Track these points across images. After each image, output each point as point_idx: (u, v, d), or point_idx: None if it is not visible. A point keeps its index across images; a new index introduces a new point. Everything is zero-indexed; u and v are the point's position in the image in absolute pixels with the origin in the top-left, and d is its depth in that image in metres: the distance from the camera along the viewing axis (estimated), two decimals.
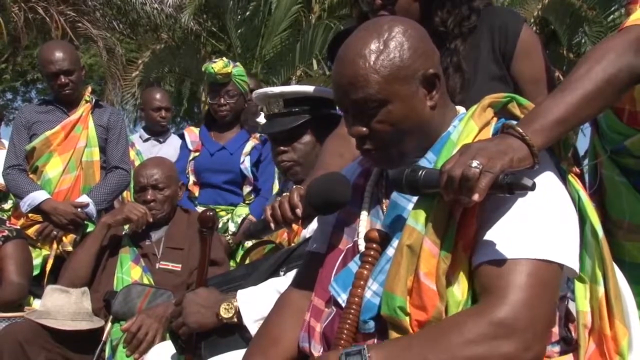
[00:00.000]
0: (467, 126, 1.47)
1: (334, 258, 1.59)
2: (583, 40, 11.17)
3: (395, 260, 1.39)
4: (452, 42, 2.05)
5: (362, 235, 1.55)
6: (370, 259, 1.48)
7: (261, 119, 3.93)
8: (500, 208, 1.37)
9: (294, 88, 2.78)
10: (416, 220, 1.39)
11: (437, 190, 1.37)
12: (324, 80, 10.69)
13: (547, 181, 1.41)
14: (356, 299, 1.46)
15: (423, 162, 1.48)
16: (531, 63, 2.07)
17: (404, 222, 1.43)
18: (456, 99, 1.90)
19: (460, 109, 1.61)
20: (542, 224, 1.35)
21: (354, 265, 1.52)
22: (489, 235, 1.36)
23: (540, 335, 1.31)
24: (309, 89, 2.61)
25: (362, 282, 1.46)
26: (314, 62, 11.90)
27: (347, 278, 1.51)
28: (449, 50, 2.04)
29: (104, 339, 2.97)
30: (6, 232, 3.72)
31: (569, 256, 1.37)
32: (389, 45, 1.46)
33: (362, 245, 1.54)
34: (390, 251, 1.44)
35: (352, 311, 1.45)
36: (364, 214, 1.58)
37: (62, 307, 3.02)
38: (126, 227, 3.31)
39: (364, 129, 1.48)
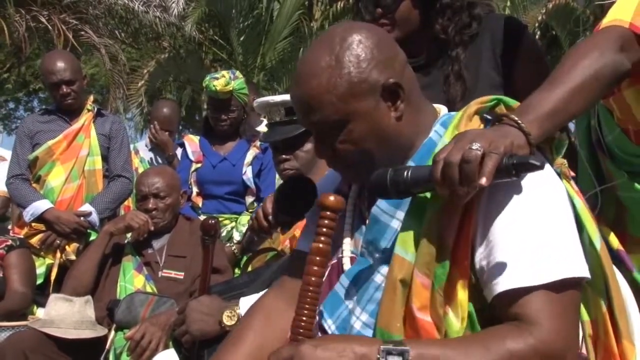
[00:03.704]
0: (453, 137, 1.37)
1: None
2: None
3: (388, 296, 1.29)
4: (453, 50, 2.04)
5: (346, 253, 1.46)
6: (325, 230, 1.29)
7: (262, 127, 3.92)
8: (503, 226, 1.27)
9: None
10: (405, 248, 1.29)
11: (429, 187, 1.25)
12: None
13: (547, 183, 1.32)
14: (313, 279, 1.29)
15: None
16: (532, 70, 2.07)
17: (387, 239, 1.35)
18: (456, 107, 1.91)
19: (441, 108, 1.50)
20: (555, 240, 1.26)
21: (340, 288, 1.43)
22: (502, 261, 1.25)
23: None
24: None
25: (317, 258, 1.29)
26: None
27: (335, 302, 1.42)
28: (450, 58, 2.04)
29: (107, 347, 2.97)
30: (10, 242, 3.74)
31: (584, 266, 1.29)
32: (341, 60, 1.34)
33: (346, 264, 1.45)
34: (378, 278, 1.36)
35: (310, 294, 1.28)
36: (346, 232, 1.47)
37: (66, 315, 3.03)
38: (129, 235, 3.32)
39: (328, 150, 1.40)
